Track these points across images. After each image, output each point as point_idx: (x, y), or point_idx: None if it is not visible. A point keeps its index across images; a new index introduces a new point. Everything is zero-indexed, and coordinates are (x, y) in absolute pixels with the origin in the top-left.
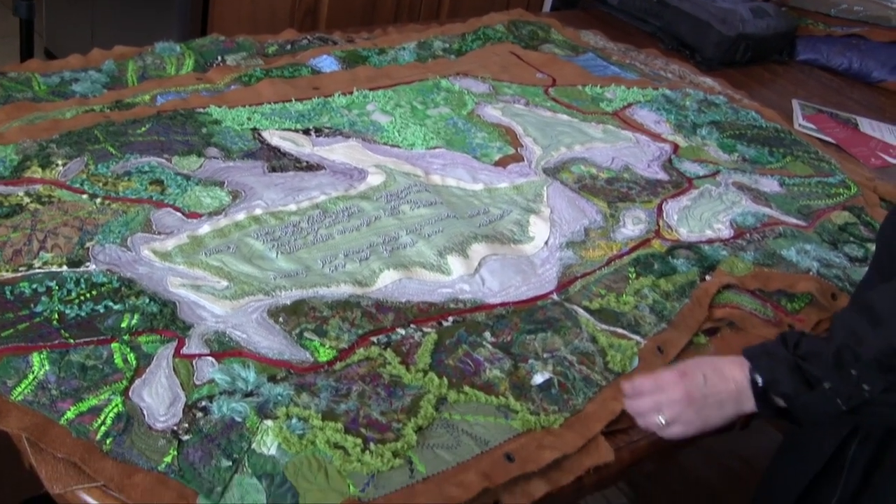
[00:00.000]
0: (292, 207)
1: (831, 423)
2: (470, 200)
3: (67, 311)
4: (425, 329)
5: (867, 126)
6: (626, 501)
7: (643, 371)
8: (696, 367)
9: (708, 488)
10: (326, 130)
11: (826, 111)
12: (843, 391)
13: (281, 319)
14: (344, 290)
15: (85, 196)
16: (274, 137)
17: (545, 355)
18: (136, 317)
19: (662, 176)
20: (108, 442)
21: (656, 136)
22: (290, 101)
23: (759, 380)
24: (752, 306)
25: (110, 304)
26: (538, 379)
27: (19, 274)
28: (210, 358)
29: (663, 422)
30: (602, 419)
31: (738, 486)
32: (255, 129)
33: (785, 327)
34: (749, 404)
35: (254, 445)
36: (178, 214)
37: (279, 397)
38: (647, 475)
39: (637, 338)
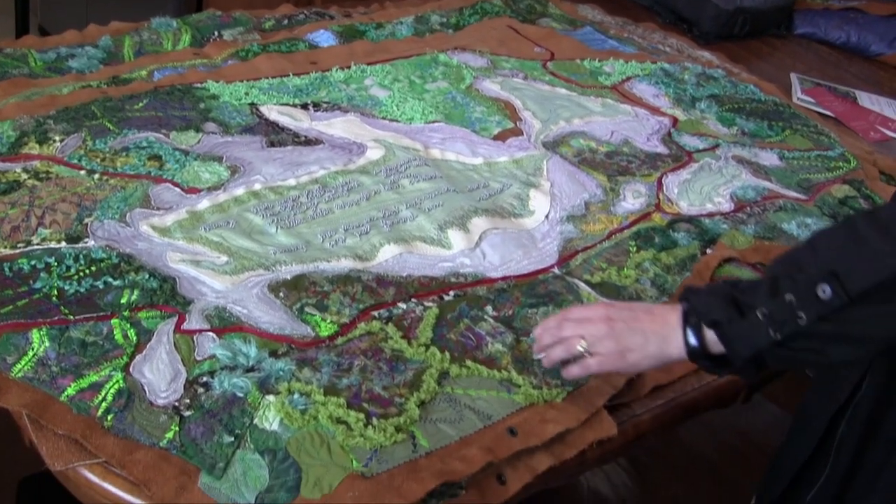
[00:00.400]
0: (291, 182)
1: (762, 362)
2: (469, 174)
3: (67, 288)
4: (426, 303)
5: (866, 100)
6: (626, 477)
7: None
8: (629, 304)
9: (707, 463)
10: (324, 105)
11: (824, 85)
12: (776, 318)
13: (281, 294)
14: (344, 264)
15: (83, 172)
16: (272, 112)
17: None
18: (135, 292)
19: (662, 149)
20: (109, 418)
21: (655, 110)
22: (288, 75)
23: (687, 305)
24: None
25: (110, 279)
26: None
27: (18, 251)
28: (211, 333)
29: (582, 349)
30: (604, 393)
31: (737, 461)
32: (252, 104)
33: None
34: (676, 345)
35: (256, 421)
36: (177, 190)
37: (281, 372)
38: (647, 451)
39: None
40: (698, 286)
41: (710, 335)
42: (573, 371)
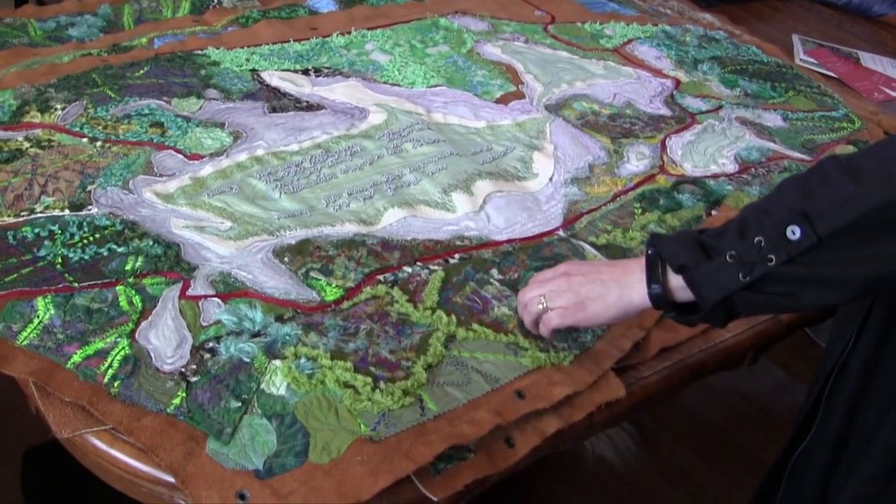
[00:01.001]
0: (294, 147)
1: (732, 307)
2: (472, 138)
3: (71, 255)
4: (432, 267)
5: (869, 60)
6: (631, 442)
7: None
8: (591, 261)
9: (713, 428)
10: (326, 70)
11: (827, 46)
12: (745, 260)
13: (286, 259)
14: (349, 228)
15: (85, 140)
16: (273, 78)
17: None
18: (140, 259)
19: (665, 111)
20: (115, 385)
21: (657, 72)
22: (289, 41)
23: (652, 251)
24: None
25: (114, 246)
26: None
27: (21, 219)
28: (216, 299)
29: (542, 306)
30: (612, 356)
31: (742, 426)
32: (253, 71)
33: None
34: (639, 292)
35: (263, 386)
36: (180, 156)
37: (287, 337)
38: (652, 416)
39: None
40: (664, 234)
41: (675, 282)
42: (540, 330)
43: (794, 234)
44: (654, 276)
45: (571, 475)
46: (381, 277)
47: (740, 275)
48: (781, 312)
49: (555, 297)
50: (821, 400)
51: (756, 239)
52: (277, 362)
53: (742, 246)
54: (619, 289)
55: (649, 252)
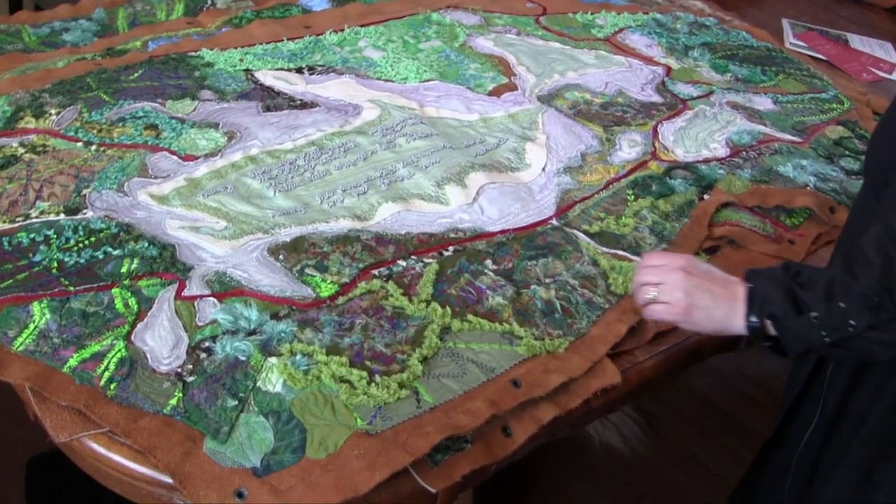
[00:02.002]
0: (288, 145)
1: (814, 354)
2: (466, 131)
3: (66, 259)
4: (426, 260)
5: (857, 42)
6: (638, 429)
7: None
8: (706, 265)
9: (719, 412)
10: (319, 68)
11: (816, 29)
12: (829, 323)
13: (281, 257)
14: (343, 224)
15: (80, 144)
16: (267, 77)
17: (547, 280)
18: (135, 261)
19: (657, 98)
20: (112, 387)
21: (649, 60)
22: (282, 40)
23: (750, 288)
24: (751, 223)
25: (109, 249)
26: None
27: (17, 224)
28: (211, 298)
29: (651, 296)
30: (607, 342)
31: (749, 408)
32: (247, 70)
33: (785, 242)
34: (738, 320)
35: (259, 383)
36: (174, 158)
37: (282, 334)
38: (658, 402)
39: (638, 259)
40: (760, 269)
41: (769, 322)
42: (643, 313)
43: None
44: (752, 310)
45: (579, 463)
46: (375, 272)
47: (823, 332)
48: (858, 362)
49: (668, 292)
50: (815, 380)
51: (841, 305)
52: (273, 359)
53: (826, 309)
54: (726, 309)
55: (748, 288)
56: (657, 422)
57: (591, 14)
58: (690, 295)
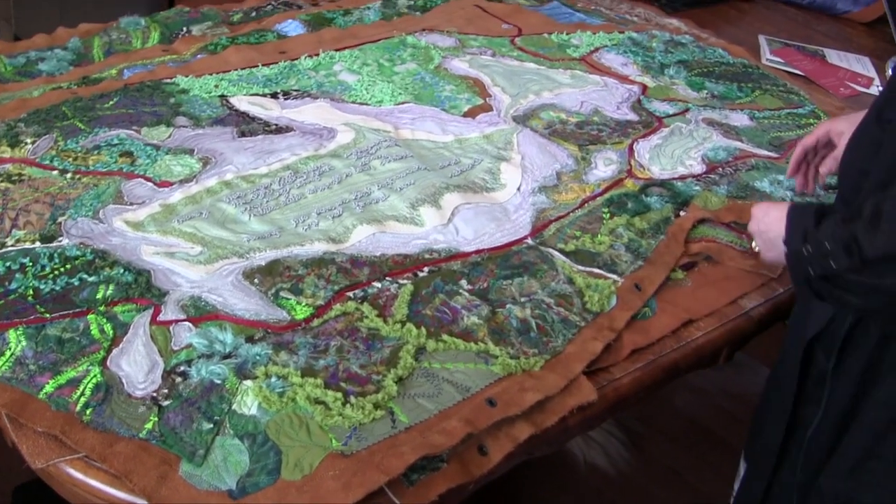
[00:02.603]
0: (263, 170)
1: (814, 291)
2: (440, 152)
3: (42, 287)
4: (401, 281)
5: (834, 57)
6: (623, 448)
7: (621, 310)
8: (766, 206)
9: (703, 429)
10: (294, 93)
11: (793, 45)
12: (816, 258)
13: (256, 280)
14: (318, 247)
15: (55, 172)
16: (242, 103)
17: (522, 299)
18: (111, 287)
19: (632, 117)
20: (87, 413)
21: (624, 79)
22: (257, 66)
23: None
24: (728, 238)
25: (85, 276)
26: None
27: None
28: (187, 323)
29: (756, 248)
30: (583, 359)
31: (733, 425)
32: (223, 96)
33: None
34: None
35: (234, 406)
36: (149, 184)
37: (257, 357)
38: (640, 418)
39: (614, 276)
40: (800, 205)
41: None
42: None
43: (850, 252)
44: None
45: (564, 482)
46: (350, 294)
47: (811, 267)
48: (848, 308)
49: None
50: (807, 376)
51: (826, 244)
52: (248, 382)
53: (816, 245)
54: (779, 249)
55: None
56: (641, 440)
57: (567, 34)
58: (765, 246)
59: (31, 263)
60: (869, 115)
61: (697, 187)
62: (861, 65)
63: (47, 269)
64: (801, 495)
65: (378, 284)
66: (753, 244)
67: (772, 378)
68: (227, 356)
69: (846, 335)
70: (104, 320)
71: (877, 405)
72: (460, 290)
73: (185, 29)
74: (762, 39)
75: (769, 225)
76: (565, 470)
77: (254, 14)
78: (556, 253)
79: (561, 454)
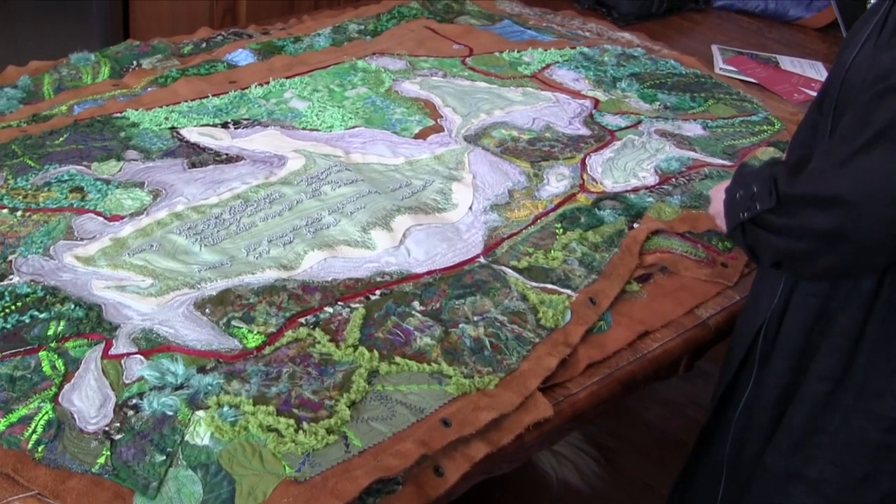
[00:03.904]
0: (213, 200)
1: (746, 243)
2: (392, 175)
3: None
4: (353, 305)
5: (788, 63)
6: (594, 464)
7: (576, 324)
8: (716, 188)
9: (673, 439)
10: (245, 122)
11: (746, 53)
12: (743, 202)
13: (207, 310)
14: (269, 275)
15: (5, 211)
16: (193, 134)
17: (475, 318)
18: (62, 323)
19: (584, 131)
20: (39, 449)
21: (576, 94)
22: (207, 97)
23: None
24: (682, 248)
25: (35, 313)
26: None
27: None
28: (138, 356)
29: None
30: (538, 375)
31: None
32: (173, 128)
33: (718, 266)
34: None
35: (187, 437)
36: (100, 219)
37: (209, 387)
38: (610, 433)
39: (568, 291)
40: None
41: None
42: None
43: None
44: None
45: (536, 501)
46: (302, 320)
47: (741, 210)
48: (775, 255)
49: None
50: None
51: (754, 187)
52: (201, 413)
53: (746, 189)
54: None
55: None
56: (613, 455)
57: (518, 52)
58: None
59: None
60: (812, 105)
61: (651, 199)
62: (814, 70)
63: None
64: (733, 470)
65: (330, 309)
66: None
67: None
68: (178, 387)
69: (783, 310)
70: (56, 356)
71: (814, 379)
72: (413, 312)
73: (135, 63)
74: (715, 49)
75: (719, 196)
76: (536, 488)
77: (204, 45)
78: (508, 270)
79: (532, 473)
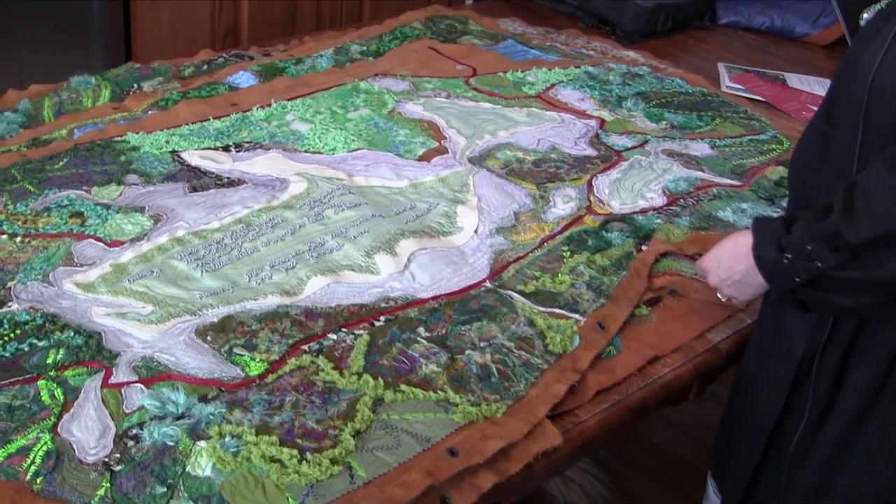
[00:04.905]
0: (215, 224)
1: (798, 301)
2: (395, 198)
3: None
4: (357, 331)
5: (795, 81)
6: (602, 487)
7: (585, 350)
8: (713, 255)
9: (683, 464)
10: (246, 145)
11: (752, 71)
12: (798, 263)
13: (209, 338)
14: (272, 301)
15: (4, 237)
16: (194, 157)
17: (482, 344)
18: (61, 351)
19: (590, 152)
20: (38, 481)
21: (581, 114)
22: (209, 119)
23: (753, 239)
24: (692, 271)
25: (34, 341)
26: None
27: None
28: (139, 385)
29: (724, 300)
30: (546, 403)
31: None
32: (174, 152)
33: None
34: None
35: (188, 468)
36: (100, 244)
37: (211, 417)
38: (619, 456)
39: (576, 316)
40: (766, 218)
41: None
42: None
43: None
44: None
45: None
46: (305, 347)
47: (795, 274)
48: (841, 311)
49: (728, 296)
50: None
51: (807, 246)
52: (202, 443)
53: (797, 251)
54: (757, 277)
55: (753, 241)
56: (621, 479)
57: (522, 72)
58: (736, 287)
59: None
60: (818, 114)
61: (659, 220)
62: (822, 87)
63: None
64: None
65: (333, 336)
66: (719, 296)
67: (740, 402)
68: (179, 417)
69: (828, 336)
70: (55, 385)
71: (851, 393)
72: (418, 338)
73: (135, 86)
74: (721, 67)
75: (730, 266)
76: None
77: (205, 67)
78: (515, 295)
79: (540, 497)
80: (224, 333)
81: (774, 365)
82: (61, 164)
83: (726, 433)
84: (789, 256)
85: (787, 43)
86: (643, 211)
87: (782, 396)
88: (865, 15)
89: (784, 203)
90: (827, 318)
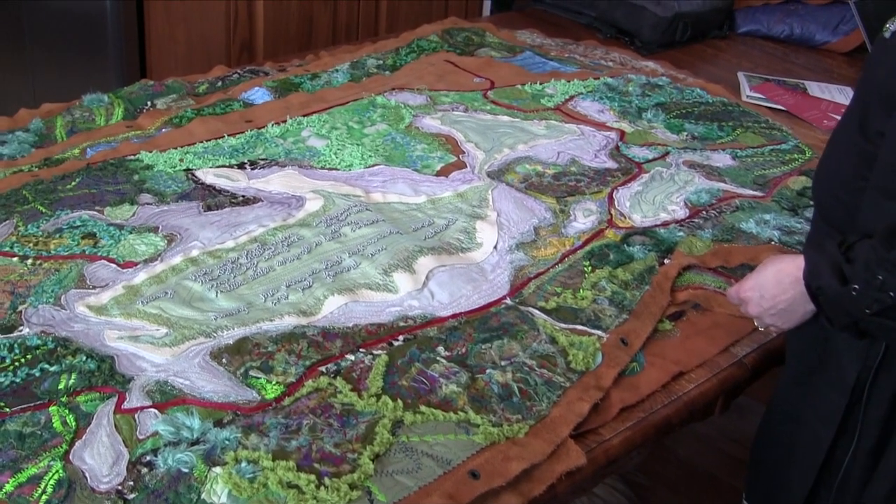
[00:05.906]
0: (230, 244)
1: (861, 331)
2: (413, 214)
3: (2, 380)
4: (375, 351)
5: (816, 89)
6: (626, 500)
7: (608, 367)
8: (753, 283)
9: (707, 476)
10: (262, 162)
11: (773, 80)
12: (868, 294)
13: (224, 360)
14: (288, 321)
15: (15, 259)
16: (208, 175)
17: (503, 363)
18: (73, 376)
19: (611, 164)
20: None
21: (601, 126)
22: (223, 137)
23: (806, 267)
24: (715, 284)
25: (46, 366)
26: None
27: None
28: (152, 410)
29: (762, 328)
30: (569, 422)
31: (736, 470)
32: (188, 170)
33: None
34: (810, 304)
35: (203, 495)
36: (113, 266)
37: (226, 442)
38: (642, 470)
39: (598, 332)
40: (817, 243)
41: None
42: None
43: None
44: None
45: None
46: (323, 368)
47: (864, 305)
48: None
49: (767, 325)
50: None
51: (879, 276)
52: (218, 469)
53: (866, 281)
54: (805, 304)
55: (805, 268)
56: (645, 492)
57: (540, 84)
58: (780, 317)
59: None
60: (846, 126)
61: (681, 233)
62: (843, 95)
63: (7, 361)
64: None
65: (351, 357)
66: (757, 324)
67: (782, 430)
68: (194, 442)
69: (882, 359)
70: (66, 412)
71: None
72: (437, 358)
73: (149, 103)
74: (741, 76)
75: (774, 296)
76: None
77: (219, 84)
78: (536, 312)
79: None
80: (240, 355)
81: (822, 393)
82: (73, 184)
83: (767, 461)
84: (857, 287)
85: (807, 51)
86: (665, 224)
87: (834, 425)
88: (890, 26)
89: (808, 213)
90: (880, 343)
